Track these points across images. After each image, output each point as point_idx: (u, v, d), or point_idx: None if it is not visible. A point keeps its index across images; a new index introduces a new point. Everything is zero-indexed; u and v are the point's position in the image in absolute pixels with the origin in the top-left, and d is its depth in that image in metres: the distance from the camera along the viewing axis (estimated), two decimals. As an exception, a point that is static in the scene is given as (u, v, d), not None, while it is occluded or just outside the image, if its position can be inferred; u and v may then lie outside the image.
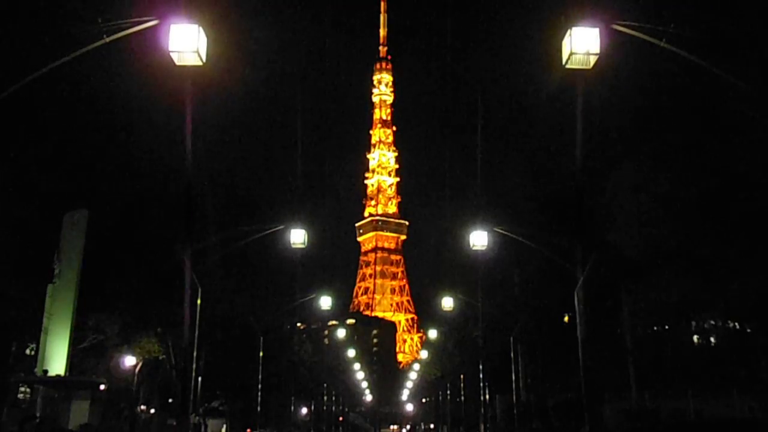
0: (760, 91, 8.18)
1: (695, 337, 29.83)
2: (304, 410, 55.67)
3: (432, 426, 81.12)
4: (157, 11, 9.27)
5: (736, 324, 25.38)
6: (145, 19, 9.24)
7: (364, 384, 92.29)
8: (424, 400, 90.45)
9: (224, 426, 36.66)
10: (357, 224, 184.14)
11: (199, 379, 23.88)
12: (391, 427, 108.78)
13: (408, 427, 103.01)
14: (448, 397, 57.46)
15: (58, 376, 23.85)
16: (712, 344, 28.73)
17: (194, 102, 14.41)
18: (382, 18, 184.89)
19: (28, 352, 26.98)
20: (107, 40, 9.31)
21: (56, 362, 24.12)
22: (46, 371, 24.02)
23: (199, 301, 19.18)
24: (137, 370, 26.58)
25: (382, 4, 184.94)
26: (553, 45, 9.95)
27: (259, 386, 29.95)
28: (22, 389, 26.80)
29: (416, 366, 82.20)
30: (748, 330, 24.11)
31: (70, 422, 23.04)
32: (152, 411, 32.70)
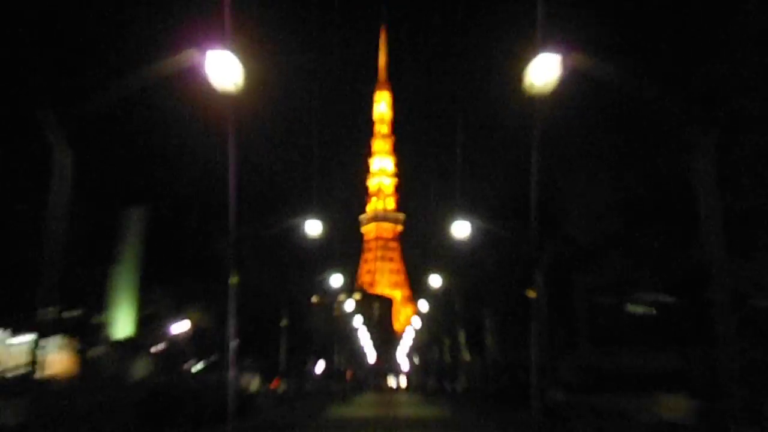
0: (684, 110, 8.27)
1: (633, 308, 30.04)
2: (320, 367, 55.86)
3: (420, 379, 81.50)
4: (200, 43, 9.22)
5: (665, 297, 25.54)
6: (194, 53, 9.22)
7: (368, 347, 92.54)
8: (416, 359, 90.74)
9: (255, 378, 36.87)
10: (361, 217, 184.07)
11: (236, 341, 23.99)
12: (390, 380, 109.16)
13: (403, 379, 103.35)
14: (435, 356, 57.62)
15: (124, 338, 23.98)
16: (646, 313, 28.95)
17: (231, 119, 14.42)
18: (382, 48, 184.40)
19: (99, 320, 27.09)
20: (168, 70, 9.30)
21: (123, 327, 24.23)
22: (114, 334, 24.13)
23: (235, 280, 19.26)
24: (187, 334, 26.70)
25: (382, 35, 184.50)
26: (518, 73, 9.98)
27: (284, 348, 30.12)
28: (96, 350, 26.90)
29: (410, 332, 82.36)
30: (674, 302, 24.27)
31: (133, 375, 23.19)
32: (200, 366, 32.84)
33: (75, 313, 21.81)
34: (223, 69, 9.21)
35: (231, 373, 17.75)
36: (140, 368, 23.62)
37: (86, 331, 24.89)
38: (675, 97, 8.23)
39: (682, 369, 17.81)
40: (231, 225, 15.33)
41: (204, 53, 9.19)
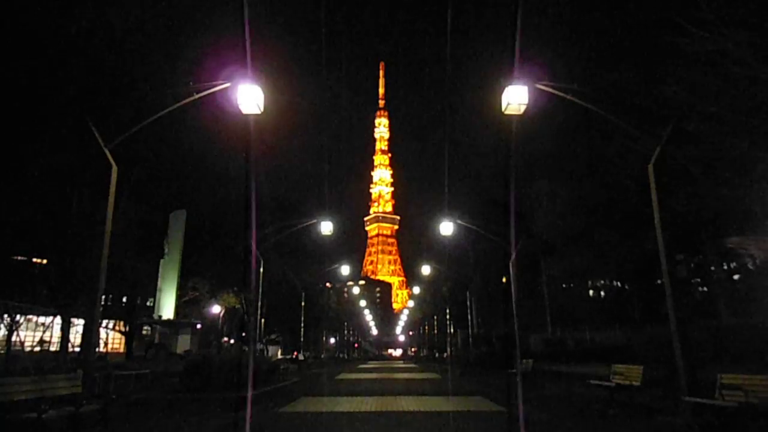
0: (633, 127, 8.05)
1: (590, 292, 29.83)
2: (332, 340, 55.54)
3: (414, 349, 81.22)
4: (227, 73, 9.00)
5: (618, 283, 25.29)
6: (221, 82, 9.00)
7: (371, 324, 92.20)
8: (411, 333, 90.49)
9: (279, 350, 36.56)
10: (365, 218, 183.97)
11: (262, 320, 23.76)
12: (389, 350, 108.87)
13: (400, 350, 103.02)
14: (426, 330, 57.35)
15: (168, 319, 23.75)
16: (601, 297, 28.74)
17: (255, 140, 14.17)
18: (381, 80, 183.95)
19: (148, 303, 26.87)
20: (197, 97, 9.06)
21: (167, 310, 24.01)
22: (160, 316, 23.90)
23: (261, 269, 19.03)
24: (221, 315, 26.43)
25: (381, 70, 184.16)
26: (495, 97, 9.71)
27: (302, 325, 29.83)
28: (146, 328, 26.69)
29: (406, 311, 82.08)
30: (625, 287, 24.03)
31: (177, 349, 22.95)
32: (232, 341, 32.63)
33: (131, 298, 21.62)
34: (249, 96, 9.00)
35: (258, 346, 17.48)
36: (183, 342, 23.39)
37: (140, 313, 24.72)
38: (629, 115, 8.00)
39: (629, 342, 17.57)
40: (251, 222, 15.00)
41: (234, 83, 8.99)
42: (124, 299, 23.18)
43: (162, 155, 18.79)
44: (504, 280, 29.31)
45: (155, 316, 24.48)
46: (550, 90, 8.54)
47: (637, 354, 14.04)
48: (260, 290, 19.03)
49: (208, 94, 9.18)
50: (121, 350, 23.60)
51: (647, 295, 21.38)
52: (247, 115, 9.43)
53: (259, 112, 9.26)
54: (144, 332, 26.54)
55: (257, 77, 9.09)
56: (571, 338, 23.18)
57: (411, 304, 67.17)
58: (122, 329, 23.17)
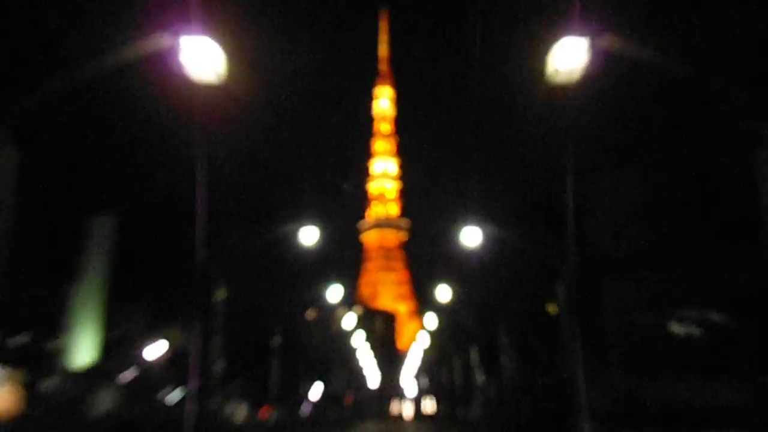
0: (746, 97, 7.86)
1: (674, 327, 29.46)
2: (315, 390, 55.46)
3: (429, 402, 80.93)
4: (174, 27, 8.91)
5: (715, 316, 24.99)
6: (163, 37, 8.91)
7: (370, 366, 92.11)
8: (423, 381, 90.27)
9: (242, 406, 36.44)
10: (361, 224, 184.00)
11: (221, 364, 23.63)
12: (394, 404, 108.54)
13: (409, 404, 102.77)
14: (444, 378, 57.22)
15: (86, 366, 23.56)
16: (691, 335, 28.35)
17: (212, 116, 14.10)
18: (384, 37, 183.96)
19: (57, 344, 26.70)
20: (132, 56, 8.98)
21: (85, 353, 23.84)
22: (74, 362, 23.72)
23: (222, 295, 18.94)
24: (162, 359, 26.31)
25: (383, 23, 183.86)
26: (540, 58, 9.61)
27: (274, 370, 29.75)
28: (52, 379, 26.48)
29: (416, 350, 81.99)
30: (727, 321, 23.71)
31: (97, 409, 22.74)
32: (177, 395, 32.45)
33: (23, 338, 21.40)
34: (202, 56, 8.90)
35: (213, 402, 17.39)
36: (104, 401, 23.14)
37: (37, 360, 24.43)
38: (734, 83, 7.80)
39: (736, 402, 17.28)
40: (199, 235, 14.90)
41: (178, 38, 8.88)
42: (16, 340, 22.86)
43: (85, 139, 18.65)
44: (551, 309, 29.16)
45: (67, 363, 24.31)
46: (617, 46, 8.43)
47: (749, 420, 13.76)
48: (218, 323, 18.93)
49: (142, 55, 9.10)
50: (15, 411, 23.13)
51: (762, 335, 20.94)
52: (200, 85, 9.35)
53: (216, 80, 9.17)
54: (51, 385, 26.33)
55: (215, 32, 9.01)
56: (650, 393, 22.87)
57: (423, 340, 67.09)
58: (21, 381, 22.87)
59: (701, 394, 20.30)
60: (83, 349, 23.57)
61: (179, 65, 8.95)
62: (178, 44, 8.79)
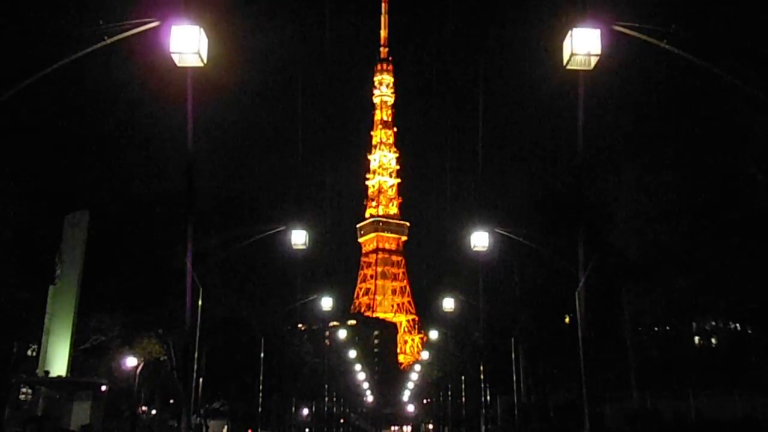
0: (762, 93, 8.10)
1: (696, 338, 29.63)
2: (306, 411, 55.57)
3: (431, 427, 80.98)
4: (158, 12, 9.19)
5: (737, 325, 25.18)
6: (145, 20, 9.17)
7: (366, 385, 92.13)
8: (425, 401, 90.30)
9: (225, 427, 36.56)
10: (358, 225, 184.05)
11: (200, 380, 23.80)
12: (392, 428, 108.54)
13: (409, 428, 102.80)
14: (449, 398, 57.35)
15: (59, 376, 23.79)
16: (714, 345, 28.52)
17: (196, 103, 14.34)
18: (383, 19, 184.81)
19: (29, 353, 26.89)
20: (108, 41, 9.23)
21: (58, 363, 24.06)
22: (47, 372, 23.95)
23: (200, 302, 19.12)
24: (138, 370, 26.49)
25: (384, 5, 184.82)
26: (553, 46, 9.88)
27: (260, 387, 29.84)
28: (24, 390, 26.71)
29: (417, 367, 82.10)
30: (747, 330, 23.94)
31: (71, 423, 22.98)
32: (153, 412, 32.60)
33: (3, 345, 21.60)
34: (185, 41, 9.16)
35: (192, 421, 17.57)
36: (80, 414, 23.40)
37: (17, 368, 24.65)
38: (763, 72, 7.98)
39: (753, 415, 17.56)
40: (188, 231, 15.13)
41: (165, 23, 9.15)
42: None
43: (57, 129, 18.84)
44: (567, 320, 29.31)
45: (39, 372, 24.55)
46: (634, 34, 8.69)
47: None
48: (197, 334, 19.11)
49: (124, 37, 9.36)
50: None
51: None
52: (184, 69, 9.61)
53: (201, 65, 9.44)
54: (22, 397, 26.56)
55: (199, 16, 9.28)
56: (669, 408, 23.12)
57: (425, 355, 67.27)
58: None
59: (717, 406, 20.54)
60: (59, 358, 23.79)
61: (163, 50, 9.21)
62: (163, 29, 9.05)
